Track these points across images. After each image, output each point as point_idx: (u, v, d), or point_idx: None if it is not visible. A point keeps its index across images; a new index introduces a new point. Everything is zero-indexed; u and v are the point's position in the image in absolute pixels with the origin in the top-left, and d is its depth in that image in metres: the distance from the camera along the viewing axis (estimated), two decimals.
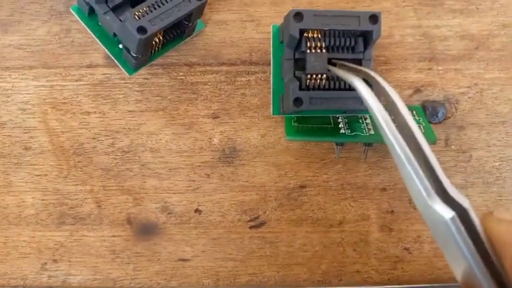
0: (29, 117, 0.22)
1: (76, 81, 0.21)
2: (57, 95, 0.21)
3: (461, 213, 0.12)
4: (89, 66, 0.21)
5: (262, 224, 0.21)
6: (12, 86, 0.22)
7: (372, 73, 0.14)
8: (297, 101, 0.16)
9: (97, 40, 0.19)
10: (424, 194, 0.12)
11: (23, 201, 0.22)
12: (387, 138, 0.12)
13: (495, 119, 0.21)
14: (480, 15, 0.20)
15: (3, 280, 0.22)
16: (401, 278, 0.21)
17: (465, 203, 0.12)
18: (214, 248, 0.21)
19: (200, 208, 0.21)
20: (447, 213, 0.12)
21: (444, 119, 0.20)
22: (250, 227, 0.21)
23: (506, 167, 0.21)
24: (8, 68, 0.22)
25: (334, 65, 0.17)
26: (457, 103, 0.21)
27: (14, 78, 0.22)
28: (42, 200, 0.22)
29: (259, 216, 0.21)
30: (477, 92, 0.21)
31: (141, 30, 0.16)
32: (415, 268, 0.21)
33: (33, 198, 0.22)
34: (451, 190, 0.12)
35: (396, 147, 0.12)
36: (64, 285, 0.22)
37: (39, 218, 0.22)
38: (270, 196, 0.21)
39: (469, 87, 0.21)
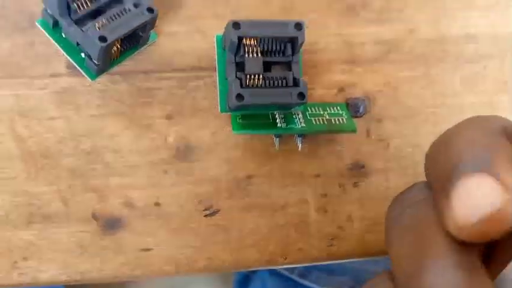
0: None
1: (41, 89, 0.23)
2: (24, 103, 0.23)
3: None
4: (52, 76, 0.23)
5: (215, 212, 0.24)
6: None
7: None
8: (239, 97, 0.19)
9: (61, 50, 0.21)
10: None
11: None
12: None
13: (406, 112, 0.24)
14: (390, 23, 0.24)
15: None
16: (337, 253, 0.24)
17: None
18: (173, 237, 0.24)
19: (159, 201, 0.24)
20: None
21: (365, 114, 0.24)
22: (205, 216, 0.24)
23: (418, 152, 0.25)
24: None
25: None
26: (374, 99, 0.24)
27: None
28: (11, 201, 0.23)
29: (212, 205, 0.24)
30: (390, 90, 0.24)
31: (102, 39, 0.18)
32: (349, 244, 0.24)
33: (2, 200, 0.23)
34: None
35: None
36: (33, 282, 0.24)
37: (9, 218, 0.23)
38: (222, 187, 0.24)
39: (383, 85, 0.24)
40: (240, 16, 0.24)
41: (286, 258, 0.24)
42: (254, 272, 0.64)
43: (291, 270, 0.55)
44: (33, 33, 0.24)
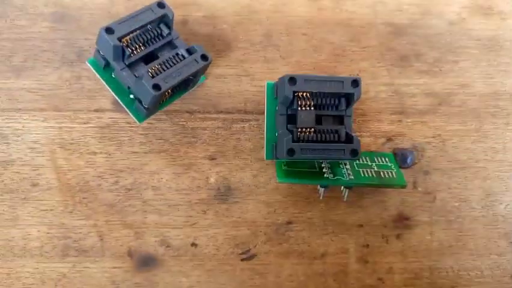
0: (37, 156, 0.23)
1: (84, 123, 0.23)
2: (66, 135, 0.23)
3: None
4: (97, 111, 0.23)
5: (252, 256, 0.23)
6: (23, 126, 0.23)
7: None
8: (291, 151, 0.18)
9: (109, 90, 0.20)
10: None
11: (29, 234, 0.23)
12: None
13: (455, 165, 0.24)
14: (443, 76, 0.24)
15: None
16: None
17: None
18: (208, 279, 0.23)
19: (196, 242, 0.23)
20: None
21: (412, 165, 0.23)
22: (242, 260, 0.23)
23: (465, 207, 0.24)
24: (19, 109, 0.23)
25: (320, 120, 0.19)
26: (423, 151, 0.23)
27: (24, 119, 0.23)
28: (48, 233, 0.23)
29: (250, 249, 0.23)
30: (440, 142, 0.23)
31: (156, 87, 0.18)
32: None
33: (38, 231, 0.23)
34: None
35: None
36: None
37: (44, 250, 0.23)
38: (260, 231, 0.23)
39: (433, 137, 0.24)
40: (290, 62, 0.24)
41: None
42: None
43: None
44: (81, 67, 0.24)
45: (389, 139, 0.24)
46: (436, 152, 0.24)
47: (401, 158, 0.23)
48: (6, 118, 0.23)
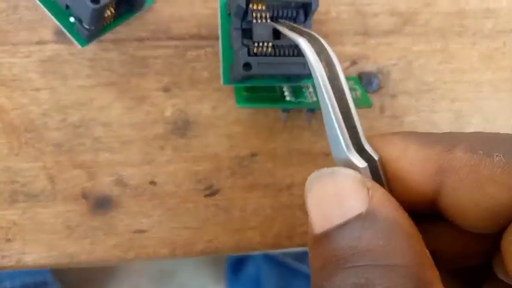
0: None
1: (25, 57, 0.21)
2: (6, 71, 0.21)
3: (372, 165, 0.13)
4: (38, 43, 0.21)
5: (216, 192, 0.22)
6: None
7: (316, 35, 0.15)
8: (247, 66, 0.17)
9: (48, 14, 0.19)
10: (344, 146, 0.13)
11: None
12: (321, 93, 0.14)
13: (422, 87, 0.23)
14: None
15: None
16: None
17: (376, 156, 0.13)
18: (170, 218, 0.22)
19: (155, 180, 0.22)
20: (360, 163, 0.13)
21: (378, 89, 0.22)
22: (205, 196, 0.22)
23: (433, 130, 0.23)
24: None
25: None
26: (388, 74, 0.22)
27: None
28: None
29: (213, 185, 0.22)
30: (406, 64, 0.22)
31: (94, 0, 0.16)
32: None
33: None
34: (367, 146, 0.14)
35: (328, 102, 0.14)
36: (18, 265, 0.22)
37: None
38: (223, 165, 0.22)
39: (398, 59, 0.22)
40: None
41: (292, 240, 0.23)
42: (247, 256, 0.63)
43: (285, 253, 0.54)
44: None
45: (353, 62, 0.23)
46: (402, 74, 0.23)
47: (366, 82, 0.22)
48: None
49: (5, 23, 0.21)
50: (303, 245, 0.23)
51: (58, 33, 0.21)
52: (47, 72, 0.21)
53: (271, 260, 0.55)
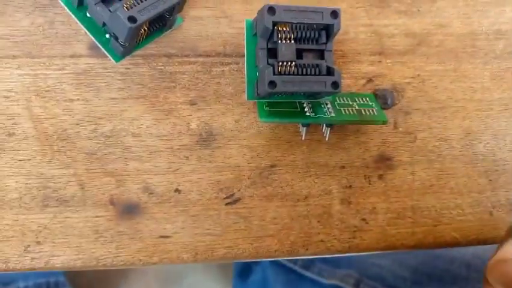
0: (12, 105, 0.22)
1: (60, 70, 0.22)
2: (41, 83, 0.22)
3: None
4: (72, 56, 0.22)
5: (236, 200, 0.23)
6: None
7: None
8: (272, 84, 0.18)
9: (83, 30, 0.20)
10: None
11: (6, 186, 0.22)
12: None
13: (435, 105, 0.24)
14: (421, 16, 0.24)
15: None
16: (360, 246, 0.24)
17: None
18: (193, 225, 0.23)
19: (179, 188, 0.23)
20: None
21: (392, 105, 0.23)
22: (226, 204, 0.23)
23: (445, 146, 0.24)
24: None
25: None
26: (403, 91, 0.23)
27: None
28: (26, 183, 0.22)
29: (234, 193, 0.23)
30: (419, 82, 0.24)
31: (131, 19, 0.17)
32: (371, 236, 0.24)
33: (16, 182, 0.22)
34: None
35: None
36: (47, 266, 0.23)
37: (23, 201, 0.22)
38: (244, 175, 0.23)
39: (412, 77, 0.24)
40: (270, 1, 0.23)
41: (307, 249, 0.24)
42: (255, 262, 0.63)
43: (294, 261, 0.54)
44: (54, 12, 0.23)
45: (369, 80, 0.24)
46: (416, 92, 0.24)
47: (381, 99, 0.24)
48: None
49: (42, 37, 0.23)
50: (318, 254, 0.24)
51: (92, 48, 0.23)
52: (80, 84, 0.23)
53: (278, 266, 0.54)
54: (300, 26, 0.20)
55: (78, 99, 0.23)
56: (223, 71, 0.23)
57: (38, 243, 0.23)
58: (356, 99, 0.23)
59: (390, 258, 0.41)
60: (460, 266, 0.41)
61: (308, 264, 0.51)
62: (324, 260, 0.51)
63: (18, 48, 0.22)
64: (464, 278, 0.40)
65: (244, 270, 0.65)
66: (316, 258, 0.51)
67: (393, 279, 0.42)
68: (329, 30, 0.20)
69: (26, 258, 0.23)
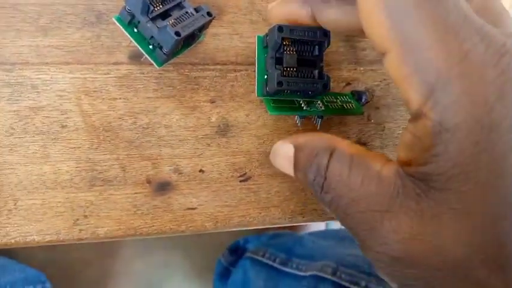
0: (65, 102, 0.27)
1: (105, 74, 0.27)
2: (90, 84, 0.27)
3: None
4: (115, 64, 0.28)
5: (248, 178, 0.29)
6: (51, 78, 0.27)
7: None
8: (280, 83, 0.24)
9: (132, 40, 0.25)
10: None
11: (59, 169, 0.27)
12: None
13: (398, 102, 0.31)
14: None
15: (39, 236, 0.27)
16: None
17: None
18: (214, 198, 0.28)
19: (203, 169, 0.28)
20: None
21: (366, 102, 0.30)
22: (240, 181, 0.29)
23: None
24: (47, 63, 0.27)
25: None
26: (373, 91, 0.30)
27: (52, 72, 0.27)
28: (76, 167, 0.27)
29: (246, 173, 0.29)
30: (385, 85, 0.31)
31: (177, 33, 0.23)
32: None
33: (68, 166, 0.27)
34: None
35: None
36: (92, 237, 0.28)
37: (73, 182, 0.27)
38: (253, 158, 0.29)
39: (380, 81, 0.31)
40: (270, 24, 0.30)
41: (304, 216, 0.30)
42: (234, 263, 0.64)
43: (273, 259, 0.57)
44: (100, 28, 0.28)
45: (348, 83, 0.31)
46: (383, 92, 0.31)
47: (357, 97, 0.30)
48: (36, 71, 0.27)
49: (90, 48, 0.28)
50: (312, 220, 0.30)
51: (131, 57, 0.28)
52: (122, 86, 0.28)
53: (259, 264, 0.57)
54: (300, 42, 0.26)
55: (120, 98, 0.28)
56: (236, 76, 0.29)
57: (85, 217, 0.27)
58: (339, 97, 0.29)
59: None
60: None
61: (285, 261, 0.54)
62: (300, 255, 0.55)
63: (70, 56, 0.27)
64: None
65: (224, 273, 0.66)
66: (293, 255, 0.56)
67: (368, 266, 0.46)
68: (321, 46, 0.26)
69: (75, 230, 0.27)
